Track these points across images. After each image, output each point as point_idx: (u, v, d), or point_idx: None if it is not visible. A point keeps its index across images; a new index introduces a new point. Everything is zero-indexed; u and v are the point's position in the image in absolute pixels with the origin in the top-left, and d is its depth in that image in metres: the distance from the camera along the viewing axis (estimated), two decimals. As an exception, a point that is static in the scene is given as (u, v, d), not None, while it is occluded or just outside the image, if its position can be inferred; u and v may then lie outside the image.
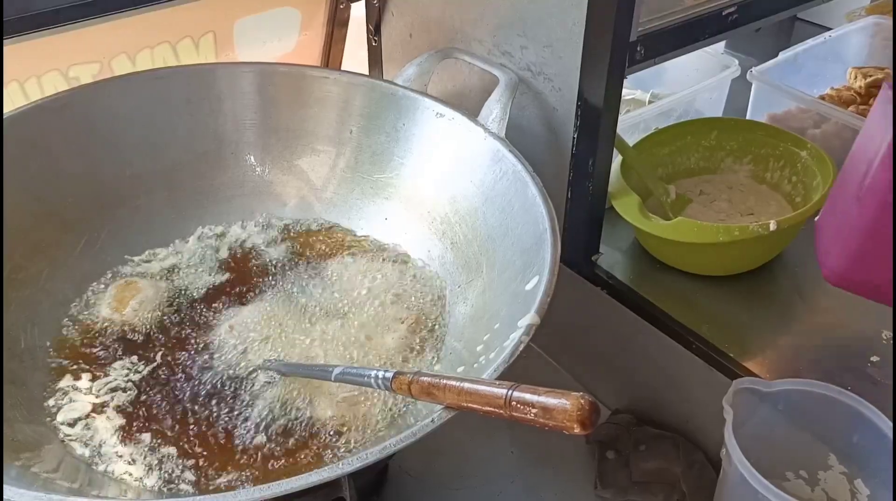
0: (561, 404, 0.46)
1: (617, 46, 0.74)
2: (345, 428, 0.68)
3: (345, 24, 1.11)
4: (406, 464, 0.84)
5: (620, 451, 0.83)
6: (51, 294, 0.77)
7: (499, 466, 0.85)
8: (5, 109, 0.85)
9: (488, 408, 0.50)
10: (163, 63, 0.96)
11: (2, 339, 0.54)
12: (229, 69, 0.87)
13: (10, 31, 0.79)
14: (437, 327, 0.78)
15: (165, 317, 0.78)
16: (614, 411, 0.89)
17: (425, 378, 0.55)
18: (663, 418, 0.85)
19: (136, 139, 0.84)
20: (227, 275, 0.84)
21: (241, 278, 0.83)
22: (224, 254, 0.86)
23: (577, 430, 0.45)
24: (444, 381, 0.53)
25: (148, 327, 0.77)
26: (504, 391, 0.49)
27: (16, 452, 0.61)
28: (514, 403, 0.48)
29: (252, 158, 0.89)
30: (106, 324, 0.77)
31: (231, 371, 0.73)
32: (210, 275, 0.84)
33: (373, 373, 0.59)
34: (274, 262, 0.85)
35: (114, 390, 0.71)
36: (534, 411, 0.47)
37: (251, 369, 0.72)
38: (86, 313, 0.78)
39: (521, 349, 0.58)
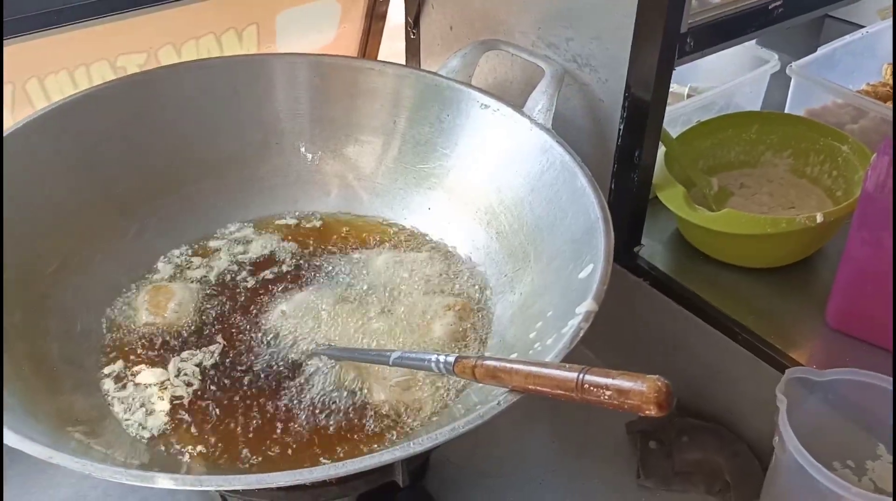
0: (637, 386, 0.46)
1: (667, 38, 0.75)
2: (397, 413, 0.69)
3: (383, 17, 1.12)
4: (448, 452, 0.85)
5: (663, 441, 0.83)
6: (104, 279, 0.78)
7: (540, 456, 0.86)
8: (55, 97, 0.86)
9: (558, 391, 0.50)
10: (207, 54, 0.97)
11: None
12: (280, 60, 0.88)
13: (58, 20, 0.80)
14: (484, 315, 0.79)
15: (207, 313, 0.78)
16: (655, 401, 0.89)
17: (490, 362, 0.55)
18: (705, 408, 0.86)
19: (186, 128, 0.85)
20: (272, 264, 0.84)
21: (287, 266, 0.84)
22: (269, 241, 0.87)
23: (653, 412, 0.46)
24: (511, 365, 0.54)
25: (193, 322, 0.77)
26: (575, 374, 0.50)
27: (74, 426, 0.62)
28: (586, 386, 0.49)
29: (300, 148, 0.90)
30: (147, 328, 0.77)
31: (284, 357, 0.73)
32: (256, 264, 0.84)
33: (433, 357, 0.60)
34: (319, 251, 0.86)
35: (168, 375, 0.72)
36: (608, 393, 0.48)
37: (305, 355, 0.73)
38: (127, 312, 0.78)
39: (581, 334, 0.59)
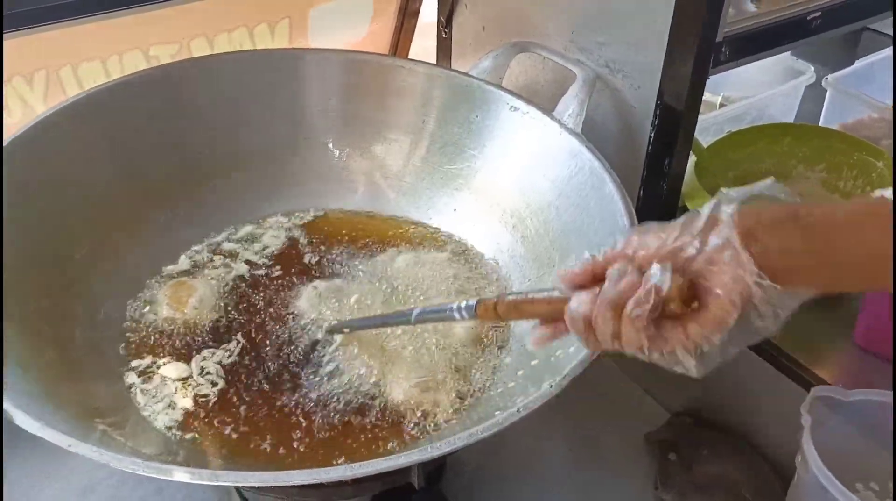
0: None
1: (703, 47, 0.74)
2: (416, 414, 0.68)
3: (415, 14, 1.11)
4: (465, 455, 0.84)
5: (682, 453, 0.82)
6: (130, 268, 0.78)
7: (557, 462, 0.85)
8: (88, 85, 0.87)
9: None
10: (239, 46, 0.97)
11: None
12: (313, 55, 0.89)
13: (93, 9, 0.81)
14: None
15: (228, 309, 0.78)
16: (675, 413, 0.89)
17: (511, 297, 0.55)
18: (725, 421, 0.85)
19: (216, 120, 0.86)
20: (294, 259, 0.84)
21: (309, 263, 0.84)
22: (294, 236, 0.87)
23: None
24: (532, 295, 0.54)
25: (212, 319, 0.77)
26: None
27: (97, 417, 0.62)
28: None
29: (328, 144, 0.90)
30: (167, 323, 0.77)
31: (302, 354, 0.73)
32: (277, 257, 0.85)
33: (454, 305, 0.60)
34: (342, 248, 0.86)
35: (190, 370, 0.72)
36: None
37: (327, 331, 0.74)
38: (149, 305, 0.78)
39: (604, 344, 0.58)
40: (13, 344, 0.61)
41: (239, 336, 0.75)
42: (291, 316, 0.77)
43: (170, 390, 0.70)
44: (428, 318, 0.64)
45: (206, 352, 0.74)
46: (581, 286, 0.50)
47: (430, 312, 0.63)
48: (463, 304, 0.59)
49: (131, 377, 0.71)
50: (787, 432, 0.69)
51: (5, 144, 0.70)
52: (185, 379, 0.71)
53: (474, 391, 0.71)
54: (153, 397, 0.69)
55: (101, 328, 0.74)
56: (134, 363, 0.72)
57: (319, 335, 0.75)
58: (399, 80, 0.87)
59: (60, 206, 0.74)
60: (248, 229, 0.87)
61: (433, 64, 0.89)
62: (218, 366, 0.72)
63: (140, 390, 0.69)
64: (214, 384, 0.71)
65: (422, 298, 0.79)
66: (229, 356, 0.73)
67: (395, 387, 0.69)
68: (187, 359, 0.73)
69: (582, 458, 0.86)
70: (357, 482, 0.62)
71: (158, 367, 0.72)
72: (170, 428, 0.66)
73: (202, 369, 0.72)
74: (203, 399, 0.69)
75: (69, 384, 0.64)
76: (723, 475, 0.80)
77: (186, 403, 0.68)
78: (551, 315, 0.53)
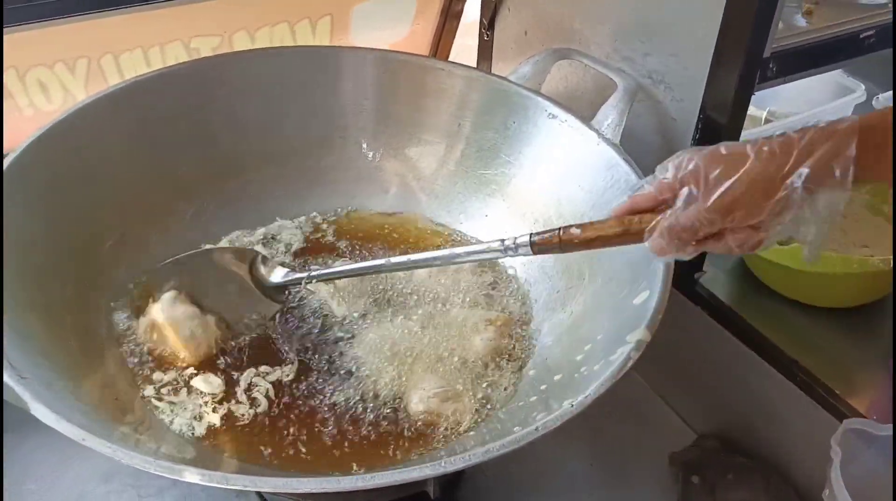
0: None
1: (749, 61, 0.72)
2: (434, 424, 0.68)
3: (458, 16, 1.10)
4: (483, 464, 0.83)
5: (706, 477, 0.80)
6: (158, 260, 0.78)
7: (577, 477, 0.84)
8: (129, 74, 0.87)
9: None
10: (280, 42, 0.97)
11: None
12: (351, 53, 0.88)
13: (138, -1, 0.81)
14: (528, 331, 0.77)
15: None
16: (701, 435, 0.86)
17: (575, 229, 0.59)
18: (752, 447, 0.83)
19: (252, 115, 0.85)
20: (321, 256, 0.84)
21: (336, 262, 0.83)
22: (321, 235, 0.87)
23: None
24: (596, 223, 0.58)
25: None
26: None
27: (117, 411, 0.63)
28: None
29: (363, 143, 0.89)
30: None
31: (319, 359, 0.73)
32: (303, 253, 0.84)
33: (503, 241, 0.63)
34: (369, 249, 0.85)
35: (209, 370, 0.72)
36: None
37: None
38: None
39: (630, 365, 0.57)
40: (36, 333, 0.61)
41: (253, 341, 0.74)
42: (312, 315, 0.77)
43: (195, 401, 0.69)
44: (464, 259, 0.66)
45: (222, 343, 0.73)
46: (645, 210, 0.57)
47: (471, 252, 0.66)
48: (515, 239, 0.62)
49: (156, 375, 0.70)
50: (817, 463, 0.67)
51: (45, 129, 0.71)
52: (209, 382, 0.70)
53: (494, 402, 0.70)
54: (175, 401, 0.68)
55: (128, 319, 0.74)
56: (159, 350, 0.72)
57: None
58: (437, 81, 0.86)
59: (92, 193, 0.74)
60: (275, 225, 0.87)
61: (471, 67, 0.88)
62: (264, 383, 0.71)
63: (161, 389, 0.69)
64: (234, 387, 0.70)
65: (443, 306, 0.78)
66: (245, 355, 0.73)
67: (414, 397, 0.69)
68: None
69: (603, 473, 0.84)
70: (370, 491, 0.61)
71: (175, 364, 0.71)
72: (188, 428, 0.66)
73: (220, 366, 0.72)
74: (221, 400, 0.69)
75: (91, 374, 0.65)
76: (747, 502, 0.78)
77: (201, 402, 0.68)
78: (616, 239, 0.58)
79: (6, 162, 0.66)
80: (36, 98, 0.86)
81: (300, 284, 0.73)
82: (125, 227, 0.76)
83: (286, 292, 0.76)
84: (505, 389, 0.71)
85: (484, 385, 0.71)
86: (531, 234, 0.62)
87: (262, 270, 0.75)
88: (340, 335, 0.75)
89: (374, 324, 0.76)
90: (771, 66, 0.74)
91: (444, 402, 0.68)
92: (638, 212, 0.57)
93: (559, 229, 0.60)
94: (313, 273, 0.73)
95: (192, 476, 0.48)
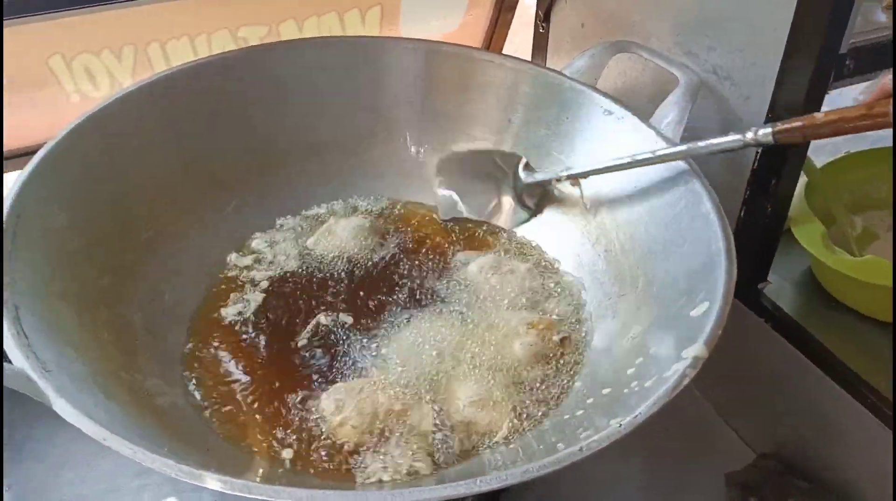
0: None
1: (824, 58, 0.66)
2: (469, 433, 0.64)
3: (512, 8, 1.06)
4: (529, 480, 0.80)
5: (765, 499, 0.75)
6: (197, 253, 0.77)
7: (627, 495, 0.80)
8: (175, 62, 0.86)
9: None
10: (329, 32, 0.95)
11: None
12: (398, 44, 0.85)
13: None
14: (575, 338, 0.73)
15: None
16: (761, 455, 0.81)
17: (817, 114, 0.60)
18: (814, 470, 0.77)
19: (297, 107, 0.83)
20: (369, 254, 0.82)
21: (386, 258, 0.81)
22: (370, 232, 0.84)
23: None
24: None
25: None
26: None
27: (148, 409, 0.61)
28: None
29: (407, 137, 0.87)
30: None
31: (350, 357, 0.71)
32: (346, 250, 0.82)
33: (745, 134, 0.64)
34: (408, 246, 0.83)
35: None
36: None
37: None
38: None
39: (685, 383, 0.53)
40: (67, 325, 0.60)
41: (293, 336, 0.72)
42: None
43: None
44: (702, 151, 0.67)
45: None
46: None
47: (705, 145, 0.67)
48: (756, 132, 0.63)
49: (189, 369, 0.69)
50: (884, 489, 0.62)
51: (84, 118, 0.70)
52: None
53: (536, 414, 0.66)
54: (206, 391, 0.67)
55: (164, 312, 0.72)
56: (195, 342, 0.71)
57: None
58: (485, 74, 0.83)
59: (130, 184, 0.73)
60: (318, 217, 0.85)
61: (522, 59, 0.84)
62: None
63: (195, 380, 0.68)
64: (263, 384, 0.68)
65: (486, 307, 0.75)
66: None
67: (450, 404, 0.65)
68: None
69: (656, 492, 0.80)
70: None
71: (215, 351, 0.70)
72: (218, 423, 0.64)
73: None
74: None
75: (122, 368, 0.63)
76: (807, 530, 0.73)
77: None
78: (859, 122, 0.58)
79: (45, 149, 0.66)
80: (83, 85, 0.85)
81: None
82: (164, 218, 0.75)
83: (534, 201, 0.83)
84: (548, 400, 0.67)
85: (524, 394, 0.67)
86: (773, 124, 0.63)
87: (522, 174, 0.83)
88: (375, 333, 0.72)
89: (412, 324, 0.73)
90: (848, 62, 0.69)
91: (482, 410, 0.65)
92: (887, 96, 0.58)
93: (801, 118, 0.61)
94: (565, 173, 0.78)
95: (213, 482, 0.45)
